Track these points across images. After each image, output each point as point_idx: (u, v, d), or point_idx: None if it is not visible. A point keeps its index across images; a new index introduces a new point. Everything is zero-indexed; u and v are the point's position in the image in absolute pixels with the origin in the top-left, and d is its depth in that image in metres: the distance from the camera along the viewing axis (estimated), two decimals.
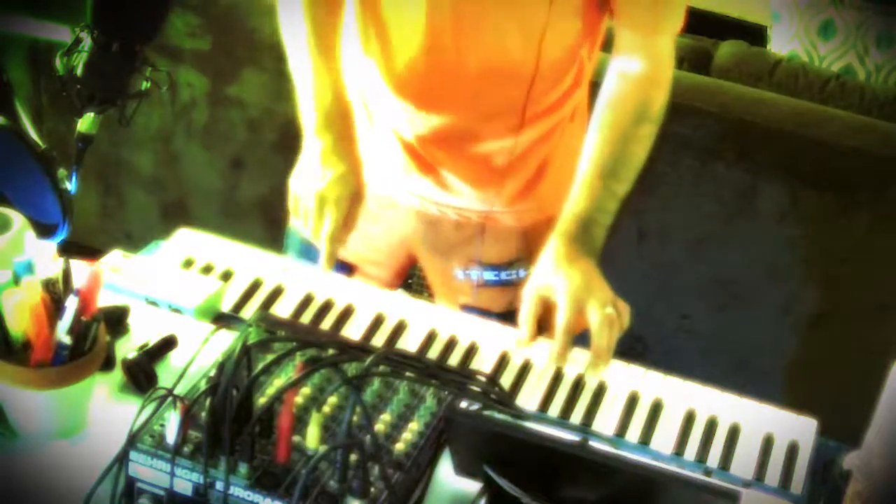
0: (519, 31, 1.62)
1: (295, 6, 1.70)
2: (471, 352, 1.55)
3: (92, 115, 1.89)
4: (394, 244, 1.91)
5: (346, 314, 1.58)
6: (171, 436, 1.20)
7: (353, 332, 1.55)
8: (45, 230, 1.73)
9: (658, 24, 1.64)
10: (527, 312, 1.54)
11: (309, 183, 1.63)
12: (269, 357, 1.30)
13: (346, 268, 1.86)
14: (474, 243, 1.85)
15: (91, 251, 1.57)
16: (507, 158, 1.77)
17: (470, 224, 1.83)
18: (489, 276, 1.81)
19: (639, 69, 1.65)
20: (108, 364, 1.42)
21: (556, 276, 1.54)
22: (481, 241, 1.84)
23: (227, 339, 1.37)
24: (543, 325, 1.54)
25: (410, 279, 2.13)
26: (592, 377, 1.51)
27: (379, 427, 1.28)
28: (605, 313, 1.49)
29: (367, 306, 1.60)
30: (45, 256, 1.33)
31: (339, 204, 1.60)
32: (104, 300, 1.38)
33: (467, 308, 1.83)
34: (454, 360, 1.53)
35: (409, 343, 1.55)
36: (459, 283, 1.84)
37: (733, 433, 1.45)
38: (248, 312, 1.55)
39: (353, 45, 1.75)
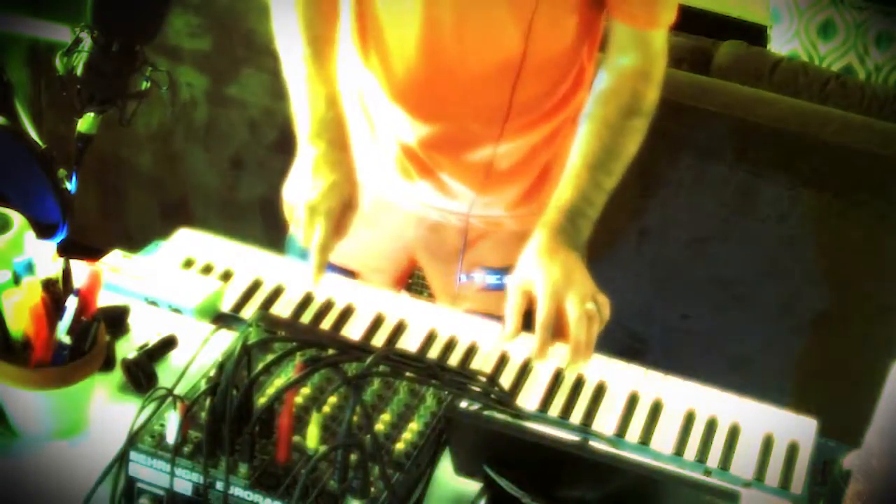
0: (516, 28, 1.62)
1: (290, 13, 1.69)
2: (471, 352, 1.55)
3: (92, 115, 1.88)
4: (396, 250, 1.90)
5: (346, 314, 1.58)
6: (171, 436, 1.20)
7: (353, 332, 1.55)
8: (45, 230, 1.73)
9: (653, 16, 1.65)
10: (511, 307, 1.53)
11: (301, 192, 1.61)
12: (269, 357, 1.30)
13: (347, 275, 1.86)
14: (477, 248, 1.84)
15: (91, 251, 1.57)
16: (509, 163, 1.77)
17: (472, 229, 1.83)
18: (492, 279, 1.80)
19: (631, 63, 1.66)
20: (108, 364, 1.42)
21: (536, 269, 1.53)
22: (484, 245, 1.84)
23: (227, 339, 1.37)
24: (530, 320, 1.54)
25: (409, 282, 2.12)
26: (571, 372, 1.50)
27: (379, 427, 1.28)
28: (585, 308, 1.49)
29: (367, 306, 1.59)
30: (45, 256, 1.32)
31: (329, 215, 1.57)
32: (104, 300, 1.38)
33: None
34: (454, 360, 1.53)
35: (409, 343, 1.55)
36: (462, 287, 1.83)
37: (733, 433, 1.45)
38: (248, 312, 1.55)
39: (351, 53, 1.74)
